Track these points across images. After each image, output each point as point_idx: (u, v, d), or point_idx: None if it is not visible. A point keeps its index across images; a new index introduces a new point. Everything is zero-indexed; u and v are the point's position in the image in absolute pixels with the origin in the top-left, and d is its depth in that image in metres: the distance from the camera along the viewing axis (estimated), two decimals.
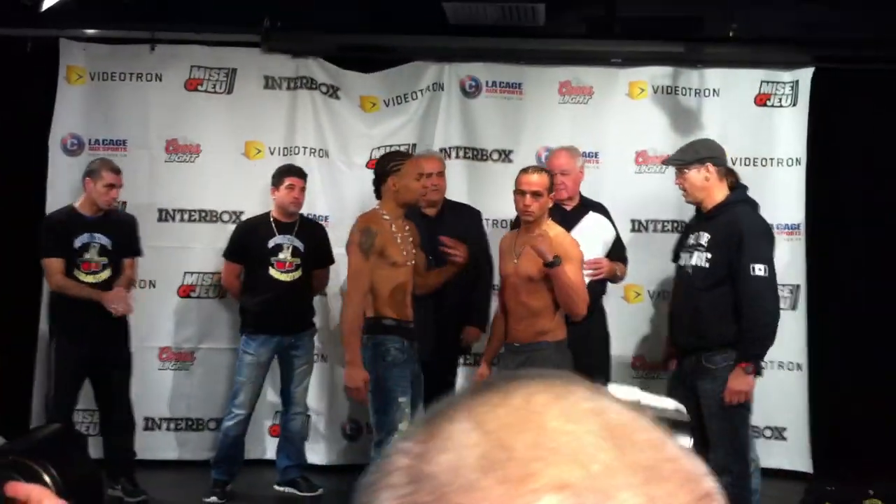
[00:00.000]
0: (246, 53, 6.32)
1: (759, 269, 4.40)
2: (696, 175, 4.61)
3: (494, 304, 5.38)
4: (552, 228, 4.74)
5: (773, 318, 4.47)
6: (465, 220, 5.60)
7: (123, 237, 5.61)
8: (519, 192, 4.71)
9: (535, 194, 4.66)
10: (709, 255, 4.53)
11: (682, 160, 4.68)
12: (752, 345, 4.46)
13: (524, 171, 4.78)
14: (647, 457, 0.67)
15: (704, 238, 4.58)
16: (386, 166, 4.59)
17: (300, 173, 5.73)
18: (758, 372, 4.53)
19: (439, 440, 0.68)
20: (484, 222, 5.88)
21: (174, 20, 6.27)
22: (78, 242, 5.44)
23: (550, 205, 4.80)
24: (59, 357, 5.43)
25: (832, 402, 6.05)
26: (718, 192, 4.62)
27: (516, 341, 4.75)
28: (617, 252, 5.38)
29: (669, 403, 3.18)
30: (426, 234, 5.00)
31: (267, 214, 5.77)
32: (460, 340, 5.58)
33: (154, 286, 6.17)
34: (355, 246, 4.44)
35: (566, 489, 0.64)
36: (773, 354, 6.00)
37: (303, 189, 5.72)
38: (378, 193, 4.66)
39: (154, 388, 6.01)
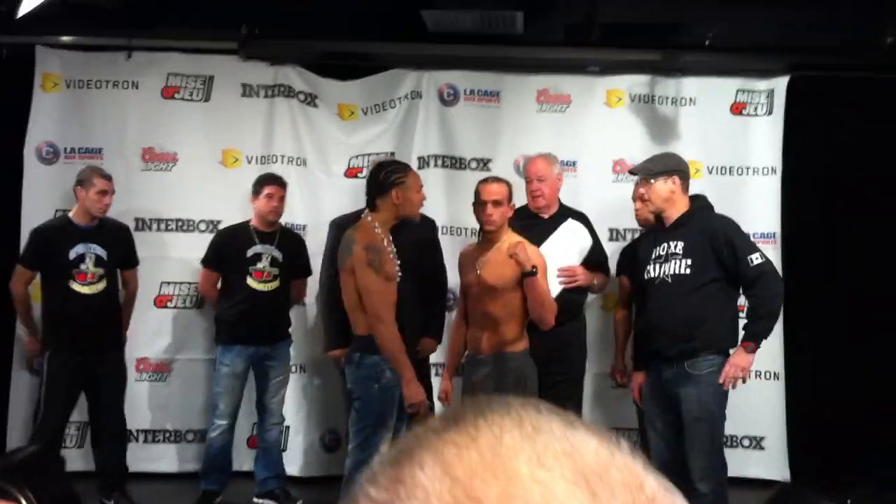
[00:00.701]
0: (223, 61, 6.29)
1: (758, 258, 4.51)
2: (662, 186, 4.68)
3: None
4: (511, 237, 4.76)
5: (778, 300, 4.60)
6: (421, 229, 5.51)
7: (118, 247, 5.63)
8: (480, 203, 4.74)
9: (496, 203, 4.70)
10: (689, 262, 4.57)
11: (651, 170, 4.75)
12: (757, 323, 4.56)
13: (483, 181, 4.83)
14: (623, 501, 0.64)
15: (678, 246, 4.61)
16: (390, 177, 4.45)
17: (280, 182, 5.70)
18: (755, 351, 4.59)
19: (407, 487, 0.65)
20: (440, 231, 5.84)
21: (151, 27, 6.23)
22: (73, 253, 5.44)
23: (510, 214, 4.82)
24: (53, 369, 5.39)
25: (810, 411, 6.08)
26: (682, 204, 4.71)
27: (480, 352, 4.74)
28: (596, 261, 5.36)
29: None
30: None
31: (247, 223, 5.74)
32: (417, 352, 5.51)
33: None
34: (366, 266, 4.28)
35: None
36: None
37: (282, 198, 5.68)
38: (372, 204, 4.51)
39: (131, 400, 5.92)
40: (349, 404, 5.17)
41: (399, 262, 4.51)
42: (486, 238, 4.79)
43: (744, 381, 4.61)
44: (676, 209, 4.69)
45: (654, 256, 4.72)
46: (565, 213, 5.40)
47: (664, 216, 4.73)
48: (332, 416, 6.25)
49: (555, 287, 4.97)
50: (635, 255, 5.45)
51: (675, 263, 4.61)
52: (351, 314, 4.46)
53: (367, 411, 4.40)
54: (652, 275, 4.73)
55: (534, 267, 4.60)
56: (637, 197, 5.34)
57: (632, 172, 5.01)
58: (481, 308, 4.72)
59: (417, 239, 5.23)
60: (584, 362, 5.47)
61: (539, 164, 5.40)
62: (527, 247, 4.70)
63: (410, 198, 4.48)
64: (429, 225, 5.59)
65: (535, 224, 5.19)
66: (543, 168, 5.35)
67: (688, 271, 4.58)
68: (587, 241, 5.30)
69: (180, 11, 6.18)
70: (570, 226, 5.27)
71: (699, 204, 4.74)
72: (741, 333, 4.60)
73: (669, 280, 4.63)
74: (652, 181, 4.69)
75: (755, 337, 4.54)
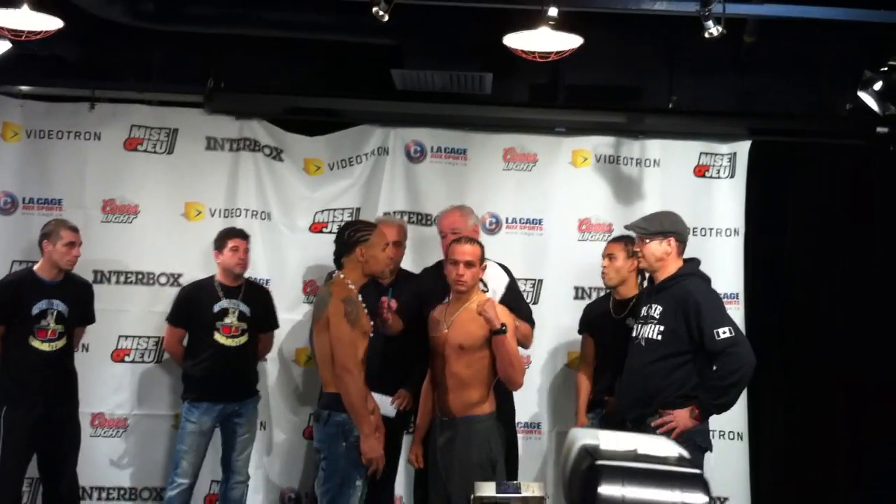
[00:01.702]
0: (188, 114, 6.24)
1: (724, 332, 4.42)
2: (657, 246, 4.67)
3: None
4: (480, 297, 4.77)
5: (737, 376, 4.43)
6: (421, 281, 5.45)
7: (79, 304, 5.57)
8: (451, 262, 4.73)
9: (468, 264, 4.71)
10: (661, 328, 4.57)
11: (646, 230, 4.72)
12: (709, 393, 4.46)
13: (457, 241, 4.82)
14: None
15: (657, 310, 4.61)
16: (354, 236, 4.46)
17: (242, 234, 5.68)
18: (701, 420, 4.53)
19: None
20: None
21: (115, 78, 6.18)
22: (35, 309, 5.37)
23: (482, 275, 4.82)
24: (9, 424, 5.28)
25: (773, 472, 6.11)
26: (673, 266, 4.68)
27: (447, 415, 4.70)
28: (516, 305, 5.12)
29: (669, 448, 3.08)
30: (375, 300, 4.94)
31: (211, 278, 5.70)
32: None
33: (87, 350, 5.98)
34: (342, 317, 4.26)
35: None
36: (714, 423, 6.08)
37: (247, 250, 5.68)
38: (339, 263, 4.50)
39: (86, 456, 5.77)
40: (314, 465, 5.13)
41: (372, 320, 4.49)
42: (456, 298, 4.77)
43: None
44: (666, 271, 4.66)
45: (641, 315, 4.73)
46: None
47: (654, 276, 4.73)
48: (293, 473, 6.16)
49: None
50: (598, 314, 5.49)
51: (651, 327, 4.61)
52: (323, 370, 4.42)
53: (334, 470, 4.33)
54: (635, 333, 4.73)
55: (503, 325, 4.59)
56: (605, 254, 5.34)
57: (627, 228, 4.95)
58: (448, 368, 4.69)
59: (417, 291, 5.22)
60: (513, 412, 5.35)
61: (453, 217, 5.31)
62: (495, 305, 4.69)
63: (375, 255, 4.47)
64: (430, 275, 5.43)
65: None
66: (458, 221, 5.27)
67: (659, 337, 4.57)
68: (503, 282, 5.21)
69: (145, 63, 6.14)
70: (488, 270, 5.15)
71: (686, 270, 4.68)
72: None
73: (643, 343, 4.64)
74: (647, 240, 4.68)
75: (703, 406, 4.48)
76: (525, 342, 5.18)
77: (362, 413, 4.28)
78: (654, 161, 6.34)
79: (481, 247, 4.80)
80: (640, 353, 4.63)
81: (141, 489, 6.09)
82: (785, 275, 6.36)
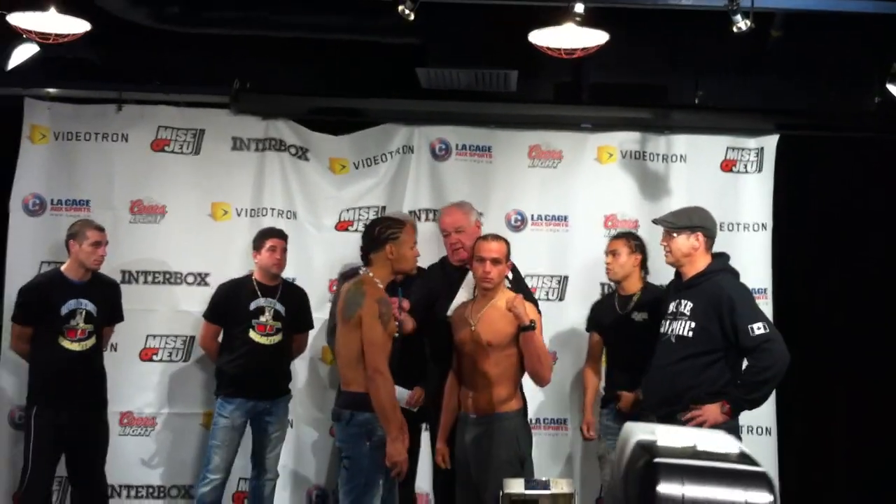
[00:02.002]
0: (214, 114, 6.26)
1: (760, 328, 4.41)
2: (684, 241, 4.65)
3: None
4: (506, 294, 4.76)
5: (772, 372, 4.42)
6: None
7: (107, 303, 5.60)
8: (478, 259, 4.72)
9: (495, 261, 4.69)
10: (692, 325, 4.54)
11: (674, 224, 4.71)
12: (742, 389, 4.46)
13: (483, 238, 4.81)
14: None
15: (687, 307, 4.58)
16: (385, 232, 4.40)
17: (281, 234, 5.72)
18: (732, 416, 4.51)
19: None
20: None
21: (142, 80, 6.22)
22: (65, 309, 5.40)
23: (508, 273, 4.81)
24: (40, 424, 5.32)
25: (802, 467, 6.07)
26: (701, 262, 4.65)
27: (474, 412, 4.69)
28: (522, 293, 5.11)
29: (729, 444, 2.98)
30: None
31: (249, 276, 5.74)
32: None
33: (115, 349, 6.01)
34: (376, 318, 4.21)
35: None
36: (743, 419, 6.03)
37: (284, 250, 5.70)
38: (366, 259, 4.45)
39: (115, 455, 5.81)
40: (339, 463, 5.13)
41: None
42: (482, 295, 4.77)
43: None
44: (695, 267, 4.64)
45: (669, 311, 4.70)
46: None
47: (682, 271, 4.70)
48: (320, 471, 6.18)
49: None
50: (604, 311, 5.49)
51: (682, 324, 4.58)
52: (346, 369, 4.37)
53: (357, 470, 4.31)
54: (663, 329, 4.72)
55: (532, 321, 4.58)
56: (609, 251, 5.36)
57: (655, 223, 4.94)
58: (475, 366, 4.69)
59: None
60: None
61: (456, 215, 5.26)
62: (524, 301, 4.69)
63: (405, 253, 4.43)
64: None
65: (462, 276, 5.08)
66: (461, 219, 5.23)
67: (690, 334, 4.55)
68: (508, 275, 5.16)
69: (172, 65, 6.17)
70: None
71: (716, 266, 4.66)
72: None
73: (674, 340, 4.62)
74: (674, 234, 4.66)
75: (735, 402, 4.47)
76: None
77: (392, 416, 4.23)
78: (681, 156, 6.30)
79: (507, 243, 4.79)
80: (670, 349, 4.62)
81: (169, 487, 6.12)
82: (813, 269, 6.32)
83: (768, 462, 6.07)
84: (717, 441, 2.85)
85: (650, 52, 6.19)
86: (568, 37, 4.65)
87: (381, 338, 4.24)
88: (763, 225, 6.25)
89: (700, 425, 4.40)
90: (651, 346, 5.10)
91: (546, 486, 4.28)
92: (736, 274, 4.74)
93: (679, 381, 4.53)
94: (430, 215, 6.27)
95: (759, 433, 6.07)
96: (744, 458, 2.76)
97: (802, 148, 6.30)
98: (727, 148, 6.31)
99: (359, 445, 4.30)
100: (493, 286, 4.72)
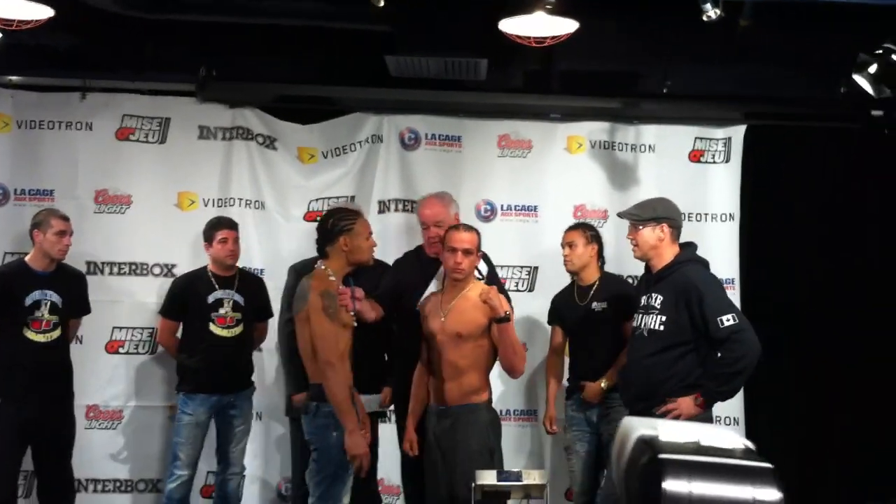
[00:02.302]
0: (180, 103, 6.19)
1: (729, 319, 4.38)
2: (649, 233, 4.63)
3: None
4: (477, 285, 4.74)
5: (743, 363, 4.39)
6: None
7: (73, 295, 5.51)
8: (449, 250, 4.69)
9: (466, 252, 4.67)
10: (663, 318, 4.53)
11: (639, 216, 4.68)
12: (713, 381, 4.43)
13: (454, 228, 4.78)
14: None
15: (658, 300, 4.57)
16: (338, 224, 4.37)
17: (231, 224, 5.63)
18: (705, 408, 4.48)
19: None
20: None
21: (106, 68, 6.12)
22: (29, 300, 5.31)
23: (478, 263, 4.80)
24: (3, 417, 5.24)
25: (768, 457, 6.09)
26: (669, 253, 4.64)
27: (443, 403, 4.67)
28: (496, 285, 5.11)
29: (734, 440, 2.95)
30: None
31: (204, 269, 5.65)
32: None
33: (81, 342, 5.93)
34: (321, 312, 4.21)
35: None
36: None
37: (236, 240, 5.61)
38: (322, 252, 4.43)
39: (81, 448, 5.74)
40: (304, 456, 5.10)
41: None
42: (452, 285, 4.75)
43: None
44: (663, 259, 4.62)
45: (641, 304, 4.69)
46: None
47: (651, 265, 4.69)
48: (289, 464, 6.12)
49: None
50: (564, 303, 5.50)
51: (653, 318, 4.57)
52: (306, 363, 4.37)
53: (326, 461, 4.28)
54: (636, 323, 4.70)
55: (507, 312, 4.56)
56: (565, 243, 5.35)
57: (620, 216, 4.93)
58: (445, 357, 4.66)
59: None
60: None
61: (436, 207, 5.16)
62: (497, 292, 4.67)
63: (359, 244, 4.39)
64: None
65: (437, 267, 5.04)
66: (441, 212, 5.13)
67: (661, 328, 4.52)
68: (483, 269, 5.15)
69: (137, 52, 6.07)
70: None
71: (683, 256, 4.63)
72: None
73: (646, 334, 4.60)
74: (640, 227, 4.65)
75: (708, 394, 4.44)
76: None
77: (346, 408, 4.21)
78: (650, 146, 6.33)
79: (478, 234, 4.77)
80: (642, 343, 4.60)
81: (137, 481, 6.07)
82: (780, 259, 6.36)
83: None
84: (720, 436, 2.83)
85: (620, 41, 6.16)
86: (538, 25, 4.63)
87: (328, 331, 4.23)
88: (731, 215, 6.29)
89: (675, 419, 4.37)
90: (613, 335, 5.17)
91: (518, 477, 4.28)
92: (705, 263, 4.73)
93: (653, 375, 4.52)
94: (399, 206, 6.25)
95: (727, 423, 6.10)
96: (749, 453, 2.74)
97: (770, 137, 6.33)
98: (695, 138, 6.35)
99: (326, 437, 4.28)
100: (463, 277, 4.70)
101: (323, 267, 4.39)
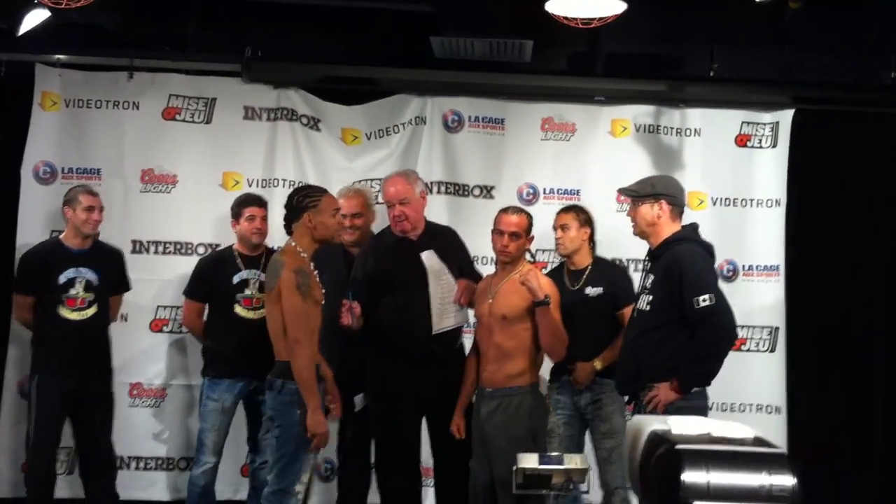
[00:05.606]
0: (226, 83, 6.21)
1: (705, 300, 4.22)
2: (647, 210, 4.49)
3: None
4: (525, 267, 4.72)
5: (718, 346, 4.28)
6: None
7: (110, 272, 5.49)
8: (497, 232, 4.70)
9: (514, 235, 4.67)
10: (650, 298, 4.41)
11: (637, 193, 4.56)
12: (689, 364, 4.27)
13: (504, 210, 4.78)
14: None
15: (650, 280, 4.47)
16: (303, 202, 4.41)
17: (260, 202, 5.55)
18: (682, 392, 4.30)
19: None
20: None
21: (153, 48, 6.17)
22: (63, 277, 5.31)
23: (528, 246, 4.79)
24: (42, 393, 5.25)
25: (812, 446, 6.05)
26: (667, 232, 4.47)
27: (488, 385, 4.69)
28: (471, 276, 5.13)
29: (744, 430, 2.99)
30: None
31: (230, 248, 5.60)
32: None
33: (126, 319, 5.98)
34: (294, 289, 4.24)
35: None
36: (751, 397, 6.06)
37: (264, 218, 5.52)
38: (289, 229, 4.46)
39: (123, 426, 5.80)
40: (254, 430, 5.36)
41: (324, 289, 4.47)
42: (502, 268, 4.76)
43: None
44: (659, 237, 4.46)
45: (642, 285, 4.58)
46: (432, 231, 5.20)
47: (649, 243, 4.55)
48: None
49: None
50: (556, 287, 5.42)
51: (645, 297, 4.45)
52: (274, 340, 4.42)
53: (287, 438, 4.33)
54: (637, 304, 4.58)
55: (546, 296, 4.55)
56: (557, 225, 5.24)
57: (619, 192, 4.86)
58: (492, 339, 4.68)
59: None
60: None
61: (400, 185, 5.05)
62: (539, 276, 4.65)
63: (324, 221, 4.41)
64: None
65: (406, 246, 5.03)
66: (406, 190, 5.03)
67: (648, 308, 4.41)
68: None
69: (183, 33, 6.12)
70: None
71: (678, 235, 4.46)
72: None
73: (636, 315, 4.51)
74: (639, 204, 4.51)
75: (682, 378, 4.27)
76: None
77: (310, 386, 4.27)
78: (695, 130, 6.26)
79: (529, 217, 4.75)
80: (632, 325, 4.52)
81: (178, 459, 6.11)
82: (827, 246, 6.28)
83: (778, 441, 6.03)
84: (729, 427, 2.89)
85: (667, 23, 6.13)
86: (585, 6, 4.60)
87: (299, 308, 4.27)
88: (777, 201, 6.21)
89: (656, 406, 4.28)
90: (606, 320, 5.07)
91: (560, 461, 4.26)
92: (704, 244, 4.51)
93: (639, 356, 4.40)
94: (443, 188, 6.24)
95: (768, 412, 6.07)
96: (760, 441, 2.79)
97: (818, 123, 6.25)
98: (742, 122, 6.27)
99: (289, 414, 4.33)
100: (510, 259, 4.71)
101: (293, 244, 4.43)
